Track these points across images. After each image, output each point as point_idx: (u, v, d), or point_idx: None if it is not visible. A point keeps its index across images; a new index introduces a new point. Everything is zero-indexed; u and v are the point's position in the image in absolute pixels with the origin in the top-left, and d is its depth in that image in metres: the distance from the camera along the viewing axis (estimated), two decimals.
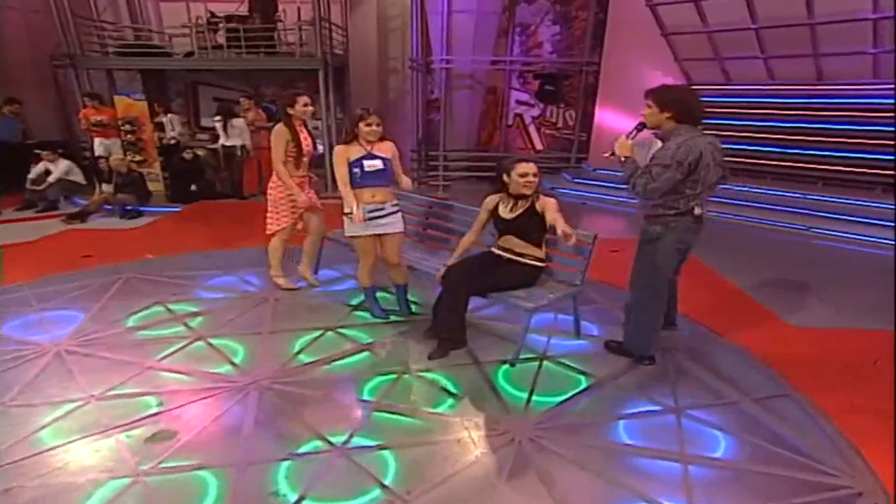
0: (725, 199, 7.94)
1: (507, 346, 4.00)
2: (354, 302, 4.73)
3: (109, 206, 7.80)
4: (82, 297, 4.78)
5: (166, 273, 5.34)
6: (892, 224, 6.86)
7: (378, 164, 4.05)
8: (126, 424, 3.06)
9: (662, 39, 9.23)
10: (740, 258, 6.19)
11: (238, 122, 8.86)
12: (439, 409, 3.28)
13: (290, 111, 4.60)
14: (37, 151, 8.38)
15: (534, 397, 3.42)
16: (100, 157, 8.38)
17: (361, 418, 3.18)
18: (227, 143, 8.93)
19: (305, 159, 4.74)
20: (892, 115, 7.82)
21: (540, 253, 3.90)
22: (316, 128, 11.30)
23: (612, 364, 3.84)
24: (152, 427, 3.05)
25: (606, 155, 3.65)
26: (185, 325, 4.30)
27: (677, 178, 3.29)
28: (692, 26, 8.83)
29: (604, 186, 9.32)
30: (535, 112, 11.37)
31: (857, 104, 8.09)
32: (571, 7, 10.46)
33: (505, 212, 3.92)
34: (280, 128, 4.58)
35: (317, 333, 4.18)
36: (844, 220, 7.28)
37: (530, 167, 3.84)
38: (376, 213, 4.10)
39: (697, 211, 3.46)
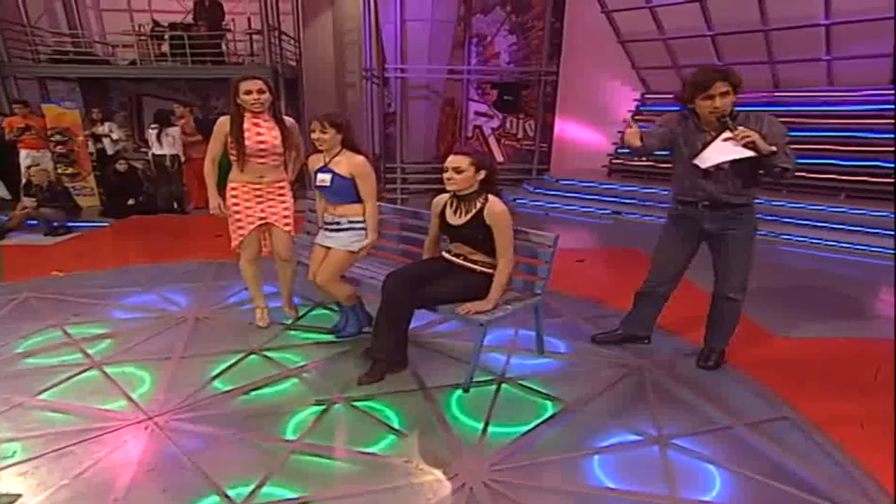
0: None
1: (460, 368, 3.34)
2: (288, 320, 4.03)
3: (33, 222, 6.91)
4: None
5: (74, 291, 4.53)
6: (859, 230, 6.56)
7: (326, 178, 3.36)
8: None
9: (619, 47, 8.90)
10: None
11: (173, 130, 8.07)
12: (375, 449, 2.60)
13: (237, 100, 3.44)
14: None
15: (490, 428, 2.77)
16: (30, 167, 7.46)
17: (277, 462, 2.48)
18: (157, 153, 8.09)
19: (257, 161, 3.55)
20: (847, 121, 7.61)
21: (494, 260, 3.20)
22: None
23: (581, 385, 3.23)
24: None
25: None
26: (83, 350, 3.52)
27: None
28: (649, 33, 8.52)
29: (566, 196, 8.84)
30: (495, 123, 10.89)
31: (813, 111, 7.86)
32: (527, 17, 10.06)
33: (451, 217, 3.24)
34: (222, 119, 3.54)
35: (237, 357, 3.47)
36: (807, 225, 6.94)
37: (453, 159, 3.12)
38: (331, 227, 3.49)
39: None
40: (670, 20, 8.25)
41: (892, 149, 6.97)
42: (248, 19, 10.57)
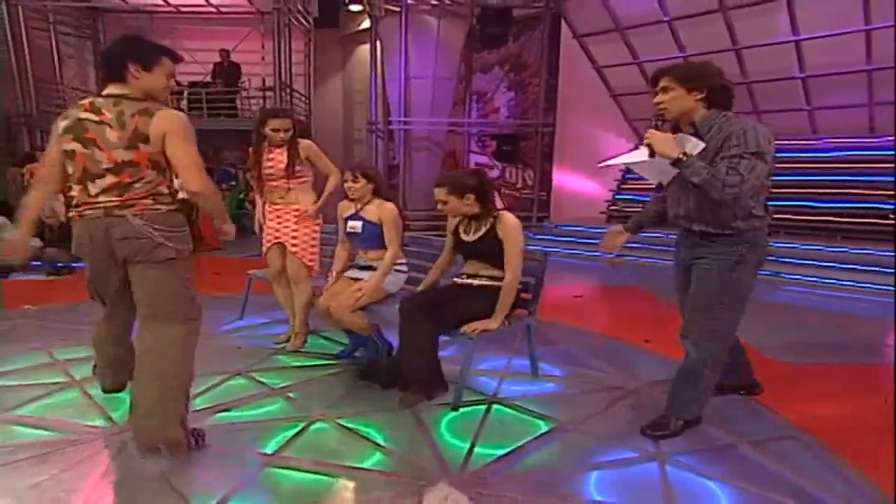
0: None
1: (451, 389, 3.12)
2: (278, 346, 3.84)
3: (38, 263, 6.81)
4: None
5: (65, 319, 4.36)
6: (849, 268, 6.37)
7: (356, 226, 3.36)
8: None
9: (612, 101, 9.02)
10: None
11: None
12: (352, 463, 2.37)
13: (262, 130, 3.56)
14: None
15: (476, 448, 2.51)
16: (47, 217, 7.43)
17: (250, 475, 2.25)
18: None
19: (270, 184, 3.64)
20: (832, 166, 7.58)
21: None
22: None
23: (576, 406, 2.99)
24: None
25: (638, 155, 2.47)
26: (66, 372, 3.32)
27: (767, 171, 2.28)
28: (638, 87, 8.64)
29: (565, 241, 8.73)
30: (495, 174, 10.94)
31: (800, 157, 7.84)
32: (525, 75, 10.31)
33: (465, 234, 3.15)
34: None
35: (222, 377, 3.26)
36: (805, 265, 6.76)
37: (435, 192, 3.08)
38: (364, 269, 3.42)
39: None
40: None
41: (887, 192, 6.87)
42: (263, 80, 10.89)
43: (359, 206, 3.40)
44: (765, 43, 7.08)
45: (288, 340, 3.82)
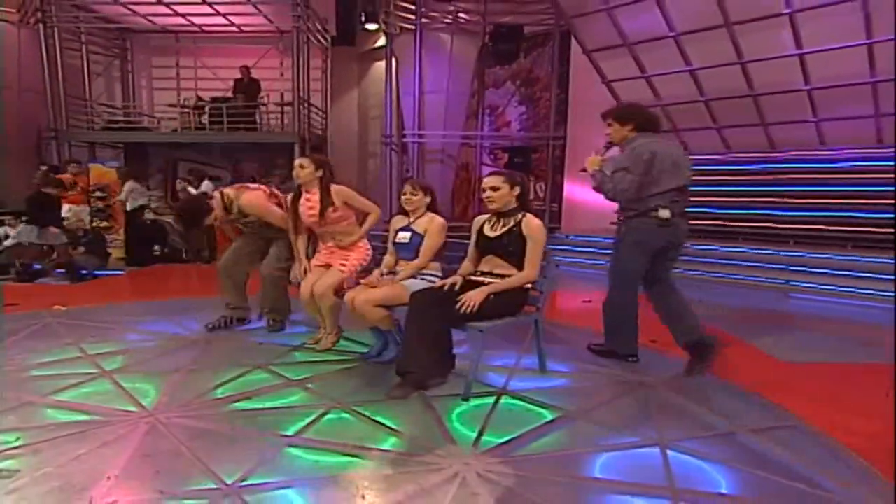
0: (693, 258, 7.47)
1: (461, 382, 3.21)
2: (296, 343, 3.98)
3: (61, 271, 7.03)
4: None
5: (94, 318, 4.55)
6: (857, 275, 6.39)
7: (405, 236, 3.49)
8: None
9: None
10: (716, 309, 5.58)
11: (205, 184, 8.32)
12: (366, 444, 2.48)
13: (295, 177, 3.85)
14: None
15: (486, 434, 2.60)
16: (64, 219, 7.72)
17: (271, 453, 2.37)
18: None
19: (324, 228, 3.82)
20: (841, 176, 7.61)
21: None
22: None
23: (583, 398, 3.08)
24: None
25: (581, 171, 3.75)
26: (96, 364, 3.49)
27: (636, 179, 3.28)
28: (647, 100, 8.75)
29: (576, 251, 8.83)
30: None
31: (808, 168, 7.88)
32: (535, 89, 10.49)
33: (489, 230, 3.29)
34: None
35: (243, 370, 3.40)
36: (818, 273, 6.78)
37: (488, 180, 3.28)
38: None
39: (663, 213, 3.34)
40: (666, 88, 8.50)
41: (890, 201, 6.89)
42: (282, 95, 11.18)
43: (412, 218, 3.54)
44: (769, 57, 7.17)
45: (318, 343, 3.90)
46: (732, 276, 7.13)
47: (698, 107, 8.41)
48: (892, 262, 6.13)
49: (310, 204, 3.76)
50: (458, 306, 2.98)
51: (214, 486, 2.11)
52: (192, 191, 8.21)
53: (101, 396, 2.97)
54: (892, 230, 6.71)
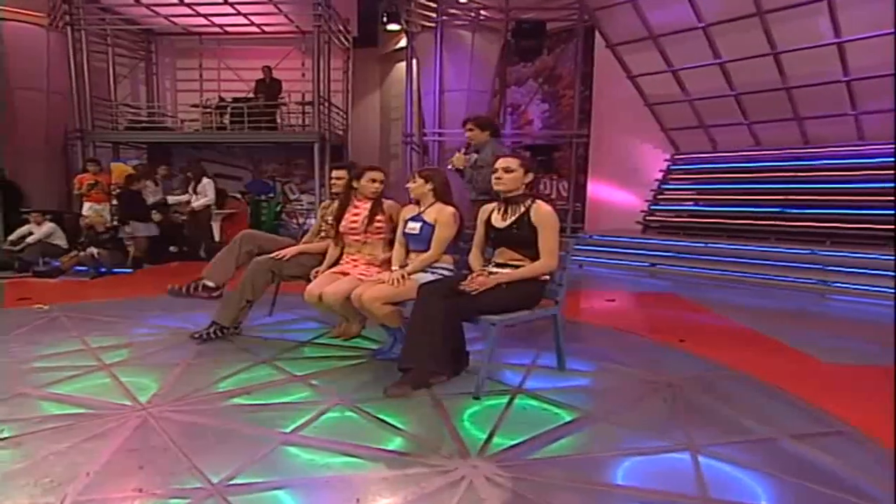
0: (725, 258, 7.13)
1: (474, 379, 3.00)
2: (305, 339, 3.82)
3: (82, 268, 7.03)
4: None
5: (102, 313, 4.46)
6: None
7: (415, 227, 3.30)
8: None
9: (647, 110, 8.83)
10: (750, 310, 5.27)
11: (205, 183, 8.26)
12: (368, 444, 2.29)
13: (354, 184, 3.64)
14: (25, 215, 7.80)
15: (497, 435, 2.38)
16: (84, 217, 7.74)
17: (265, 451, 2.20)
18: (194, 204, 8.24)
19: (354, 238, 3.59)
20: (881, 172, 7.17)
21: None
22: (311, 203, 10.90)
23: (604, 399, 2.86)
24: None
25: (449, 167, 4.47)
26: (97, 357, 3.36)
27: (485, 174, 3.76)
28: (674, 96, 8.44)
29: (601, 251, 8.53)
30: None
31: (846, 164, 7.45)
32: (559, 86, 10.22)
33: (498, 220, 3.10)
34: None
35: (246, 365, 3.24)
36: (846, 272, 6.37)
37: (503, 161, 3.08)
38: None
39: None
40: (694, 82, 8.17)
41: None
42: (303, 95, 11.15)
43: (421, 207, 3.37)
44: (805, 46, 6.80)
45: (342, 334, 3.69)
46: (766, 277, 6.75)
47: (727, 101, 8.08)
48: None
49: (359, 214, 3.60)
50: (462, 287, 2.81)
51: (199, 486, 1.94)
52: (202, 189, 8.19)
53: (96, 389, 2.84)
54: None
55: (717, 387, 3.00)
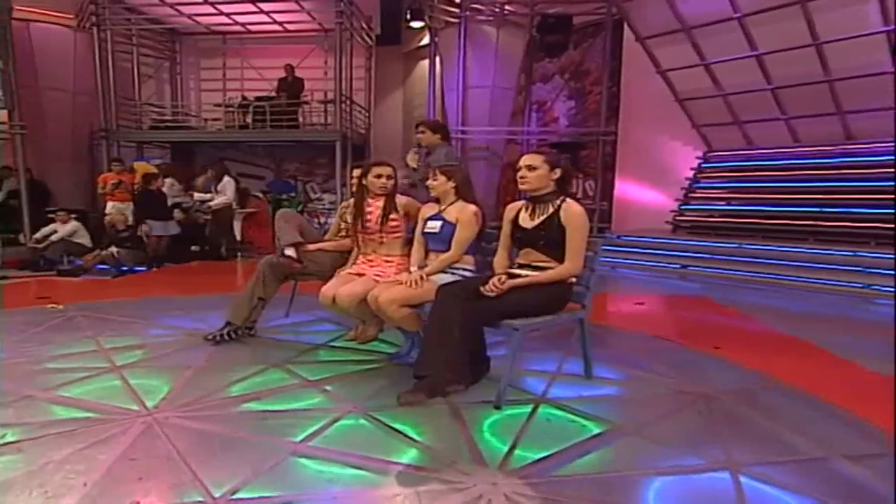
0: (760, 259, 6.84)
1: (494, 386, 2.85)
2: (321, 342, 3.72)
3: (104, 266, 7.07)
4: (8, 328, 3.92)
5: (118, 313, 4.42)
6: None
7: (435, 225, 3.18)
8: None
9: (678, 106, 8.54)
10: (788, 315, 5.01)
11: (226, 181, 8.25)
12: (381, 456, 2.16)
13: (363, 181, 3.50)
14: (50, 214, 7.90)
15: (518, 448, 2.24)
16: (107, 216, 7.81)
17: (272, 463, 2.09)
18: (214, 203, 8.27)
19: (370, 236, 3.47)
20: None
21: None
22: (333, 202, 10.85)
23: (636, 410, 2.69)
24: None
25: (405, 166, 4.76)
26: (109, 359, 3.31)
27: None
28: (707, 90, 8.15)
29: (630, 252, 8.28)
30: None
31: (889, 161, 7.05)
32: (585, 83, 10.00)
33: (525, 220, 2.92)
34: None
35: (259, 368, 3.15)
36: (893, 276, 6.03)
37: (525, 158, 2.92)
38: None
39: None
40: (728, 76, 7.87)
41: None
42: (325, 93, 11.12)
43: (442, 206, 3.24)
44: (851, 36, 6.46)
45: (359, 336, 3.58)
46: (804, 280, 6.45)
47: (764, 96, 7.75)
48: None
49: (372, 212, 3.46)
50: (482, 289, 2.67)
51: (200, 499, 1.83)
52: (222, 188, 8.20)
53: (104, 392, 2.77)
54: None
55: (757, 398, 2.80)
